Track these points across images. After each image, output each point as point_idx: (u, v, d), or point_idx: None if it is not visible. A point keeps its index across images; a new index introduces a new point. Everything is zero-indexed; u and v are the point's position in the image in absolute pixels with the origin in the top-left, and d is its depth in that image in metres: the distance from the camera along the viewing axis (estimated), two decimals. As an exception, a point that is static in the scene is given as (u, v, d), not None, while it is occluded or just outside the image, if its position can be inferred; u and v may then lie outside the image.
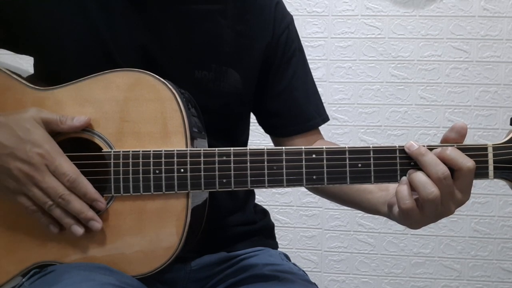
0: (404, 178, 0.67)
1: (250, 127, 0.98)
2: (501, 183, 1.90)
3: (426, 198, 0.64)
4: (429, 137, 1.92)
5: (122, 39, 0.80)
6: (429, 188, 0.64)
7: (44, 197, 0.69)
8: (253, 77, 0.89)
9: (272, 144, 0.99)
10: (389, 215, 0.74)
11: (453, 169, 0.65)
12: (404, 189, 0.66)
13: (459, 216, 1.94)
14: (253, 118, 0.99)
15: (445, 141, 0.68)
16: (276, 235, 1.02)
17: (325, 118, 0.96)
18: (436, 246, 1.97)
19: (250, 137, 1.01)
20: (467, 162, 0.64)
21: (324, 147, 0.69)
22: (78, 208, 0.70)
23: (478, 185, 1.91)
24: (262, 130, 0.99)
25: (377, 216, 1.94)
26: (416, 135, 1.94)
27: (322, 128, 0.97)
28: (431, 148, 0.67)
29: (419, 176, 0.65)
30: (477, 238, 1.95)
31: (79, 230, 0.70)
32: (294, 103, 0.93)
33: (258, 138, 1.09)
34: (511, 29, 1.87)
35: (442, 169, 0.64)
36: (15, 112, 0.72)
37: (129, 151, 0.71)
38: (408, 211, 0.66)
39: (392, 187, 0.75)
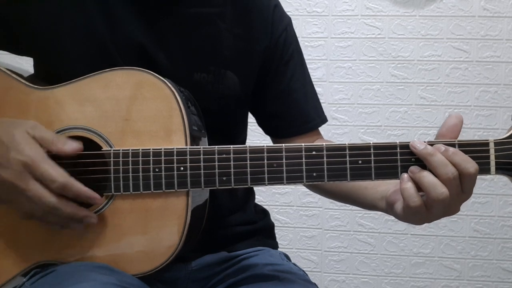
0: (405, 175, 0.67)
1: (250, 127, 0.98)
2: (501, 183, 1.90)
3: (437, 198, 0.64)
4: (429, 137, 1.91)
5: (121, 38, 0.80)
6: (440, 189, 0.64)
7: (31, 206, 0.68)
8: (251, 80, 0.89)
9: (272, 144, 0.99)
10: (387, 210, 0.74)
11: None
12: (410, 187, 0.66)
13: (459, 216, 1.94)
14: (252, 118, 0.99)
15: (441, 136, 0.68)
16: (276, 235, 1.01)
17: (323, 119, 0.97)
18: (436, 246, 1.97)
19: (250, 137, 1.01)
20: (470, 168, 0.64)
21: (324, 144, 0.69)
22: (69, 213, 0.69)
23: (478, 185, 1.91)
24: (262, 130, 0.99)
25: (377, 216, 1.96)
26: (416, 135, 1.94)
27: (322, 128, 0.97)
28: (432, 144, 0.66)
29: (428, 177, 0.65)
30: (477, 238, 1.95)
31: (79, 226, 0.71)
32: (293, 105, 0.93)
33: (258, 138, 1.09)
34: (511, 29, 1.87)
35: (451, 170, 0.64)
36: (10, 121, 0.71)
37: (128, 150, 0.71)
38: (417, 208, 0.66)
39: (388, 182, 0.74)
